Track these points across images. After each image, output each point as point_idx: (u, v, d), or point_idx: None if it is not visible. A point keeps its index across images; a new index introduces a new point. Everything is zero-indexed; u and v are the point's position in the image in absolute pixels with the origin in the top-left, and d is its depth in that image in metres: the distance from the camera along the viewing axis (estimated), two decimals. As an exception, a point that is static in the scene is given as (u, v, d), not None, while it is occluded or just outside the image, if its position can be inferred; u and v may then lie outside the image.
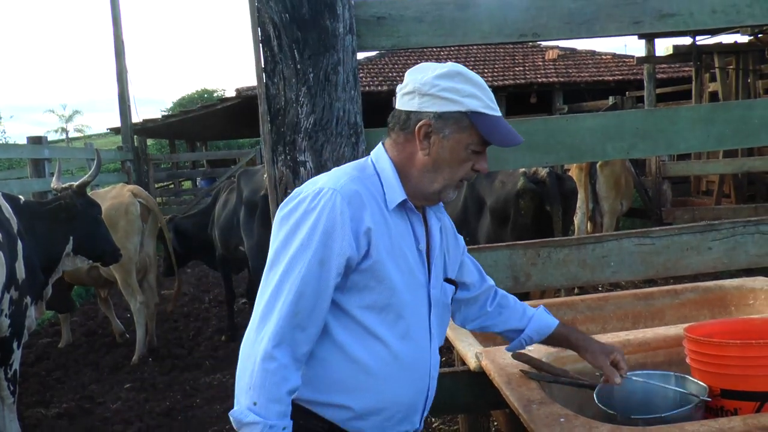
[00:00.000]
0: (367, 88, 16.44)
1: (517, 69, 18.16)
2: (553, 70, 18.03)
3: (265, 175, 2.63)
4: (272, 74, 2.46)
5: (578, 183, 7.32)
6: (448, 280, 1.93)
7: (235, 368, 1.72)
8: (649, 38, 11.34)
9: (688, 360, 2.07)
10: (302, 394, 1.71)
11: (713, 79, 11.31)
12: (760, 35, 10.30)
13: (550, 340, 2.14)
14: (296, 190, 1.76)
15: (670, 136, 2.68)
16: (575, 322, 2.94)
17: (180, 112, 20.93)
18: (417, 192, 1.78)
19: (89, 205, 5.17)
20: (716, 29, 9.57)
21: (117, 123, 14.40)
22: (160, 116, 20.39)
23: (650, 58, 11.70)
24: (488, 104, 1.72)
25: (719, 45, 11.01)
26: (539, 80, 17.22)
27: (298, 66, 2.43)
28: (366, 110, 2.62)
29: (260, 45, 2.47)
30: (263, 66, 2.47)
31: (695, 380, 2.02)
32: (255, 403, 1.60)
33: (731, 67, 10.88)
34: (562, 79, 17.29)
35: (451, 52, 18.44)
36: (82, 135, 56.98)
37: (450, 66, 1.74)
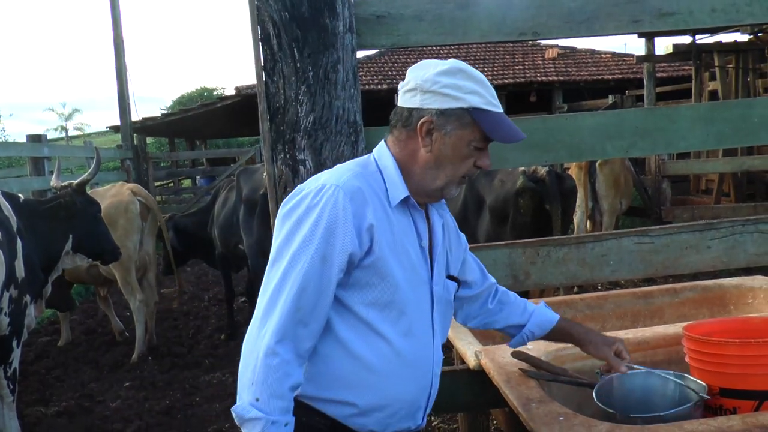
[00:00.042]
0: (366, 86, 16.43)
1: (516, 68, 18.17)
2: (552, 69, 18.03)
3: (265, 174, 2.63)
4: (272, 73, 2.46)
5: (578, 182, 7.32)
6: (450, 277, 1.93)
7: (235, 367, 1.72)
8: (649, 37, 11.33)
9: (687, 359, 2.07)
10: (305, 390, 1.72)
11: (713, 77, 11.31)
12: (759, 34, 10.30)
13: (552, 335, 2.14)
14: (299, 186, 1.76)
15: (670, 135, 2.68)
16: (575, 320, 2.94)
17: (180, 110, 20.92)
18: (419, 189, 1.78)
19: (89, 203, 5.16)
20: (716, 28, 9.57)
21: (116, 121, 14.41)
22: (159, 114, 20.37)
23: (650, 56, 11.70)
24: (490, 101, 1.73)
25: (719, 44, 11.00)
26: (539, 79, 17.22)
27: (298, 64, 2.43)
28: (365, 109, 2.62)
29: (260, 43, 2.47)
30: (263, 64, 2.47)
31: (694, 379, 2.02)
32: (257, 399, 1.61)
33: (731, 65, 10.88)
34: (561, 78, 17.29)
35: (451, 51, 18.42)
36: (81, 133, 56.96)
37: (452, 63, 1.74)
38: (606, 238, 2.74)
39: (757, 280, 3.12)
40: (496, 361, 2.32)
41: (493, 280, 2.14)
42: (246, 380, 1.65)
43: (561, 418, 1.84)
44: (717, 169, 9.87)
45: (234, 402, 1.67)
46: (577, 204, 7.13)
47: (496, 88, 1.79)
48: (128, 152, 13.15)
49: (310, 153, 2.48)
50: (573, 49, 19.71)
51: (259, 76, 2.49)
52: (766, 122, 2.68)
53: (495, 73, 17.51)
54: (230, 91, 20.02)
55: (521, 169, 5.54)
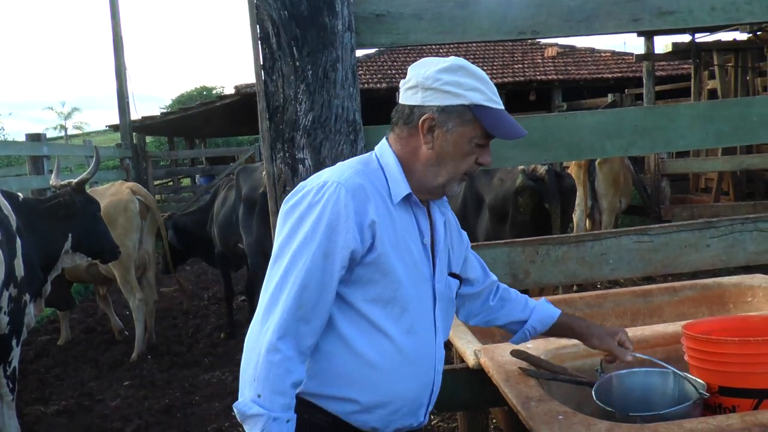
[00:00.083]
0: (366, 85, 16.43)
1: (516, 66, 18.16)
2: (552, 68, 18.03)
3: (264, 173, 2.63)
4: (271, 71, 2.46)
5: (577, 180, 7.32)
6: (452, 275, 1.94)
7: (235, 365, 1.73)
8: (648, 35, 11.32)
9: (686, 357, 2.07)
10: (307, 387, 1.72)
11: (712, 76, 11.31)
12: (759, 33, 10.30)
13: (554, 330, 2.14)
14: (301, 183, 1.76)
15: (669, 134, 2.68)
16: (574, 318, 2.94)
17: (179, 109, 20.92)
18: (421, 186, 1.78)
19: (88, 202, 5.17)
20: (715, 27, 9.58)
21: (116, 120, 14.41)
22: (159, 113, 20.36)
23: (649, 55, 11.69)
24: (491, 97, 1.73)
25: (718, 42, 11.00)
26: (538, 77, 17.22)
27: (297, 63, 2.43)
28: (365, 107, 2.62)
29: (259, 42, 2.47)
30: (262, 63, 2.47)
31: (693, 378, 2.02)
32: (259, 395, 1.61)
33: (730, 64, 10.87)
34: (561, 77, 17.29)
35: (451, 50, 18.41)
36: (81, 132, 56.91)
37: (452, 60, 1.75)
38: (605, 237, 2.74)
39: (757, 279, 3.12)
40: (496, 359, 2.32)
41: (494, 277, 2.15)
42: (248, 377, 1.65)
43: (560, 417, 1.84)
44: (716, 167, 9.87)
45: (233, 401, 1.67)
46: (576, 203, 7.12)
47: (496, 86, 1.79)
48: (127, 151, 13.15)
49: (310, 152, 2.48)
50: (572, 48, 19.70)
51: (258, 75, 2.49)
52: (765, 121, 2.68)
53: (494, 71, 17.50)
54: (229, 90, 20.01)
55: (520, 167, 5.54)
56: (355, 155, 2.32)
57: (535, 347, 2.33)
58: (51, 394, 5.54)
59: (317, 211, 1.66)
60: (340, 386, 1.73)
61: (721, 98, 10.12)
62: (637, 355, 2.07)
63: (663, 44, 11.50)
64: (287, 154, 2.49)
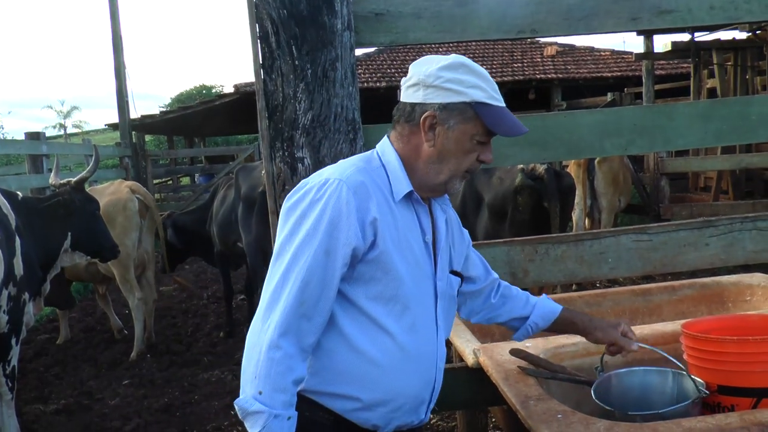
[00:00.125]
0: (365, 84, 16.41)
1: (515, 65, 18.15)
2: (551, 67, 18.01)
3: (263, 172, 2.63)
4: (270, 70, 2.46)
5: (576, 179, 7.32)
6: (453, 273, 1.94)
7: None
8: (648, 34, 11.32)
9: (685, 356, 2.07)
10: (308, 384, 1.72)
11: (711, 75, 11.31)
12: (758, 32, 10.30)
13: (556, 325, 2.14)
14: (302, 181, 1.77)
15: (668, 133, 2.68)
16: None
17: (178, 108, 20.91)
18: (423, 183, 1.79)
19: (87, 201, 5.17)
20: (714, 26, 9.59)
21: (115, 119, 14.40)
22: (158, 112, 20.35)
23: (649, 54, 11.69)
24: (492, 95, 1.74)
25: (717, 41, 10.99)
26: (538, 76, 17.20)
27: (296, 62, 2.43)
28: (364, 106, 2.62)
29: (258, 41, 2.47)
30: (261, 62, 2.47)
31: (692, 377, 2.02)
32: (260, 392, 1.61)
33: (729, 63, 10.87)
34: (560, 76, 17.28)
35: (450, 48, 18.39)
36: (80, 131, 56.93)
37: (454, 58, 1.75)
38: (604, 236, 2.74)
39: (756, 278, 3.12)
40: (495, 358, 2.32)
41: (495, 275, 2.15)
42: (249, 374, 1.64)
43: (559, 416, 1.84)
44: (715, 166, 9.87)
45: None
46: (575, 201, 7.13)
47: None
48: (127, 150, 13.15)
49: (309, 151, 2.48)
50: (572, 47, 19.69)
51: (257, 74, 2.49)
52: (765, 120, 2.68)
53: (494, 70, 17.48)
54: (229, 89, 19.99)
55: (520, 166, 5.54)
56: (355, 154, 2.32)
57: (534, 346, 2.34)
58: (50, 393, 5.55)
59: (319, 208, 1.66)
60: (341, 384, 1.73)
61: (720, 97, 10.12)
62: (642, 345, 2.08)
63: (662, 43, 11.50)
64: (286, 153, 2.49)
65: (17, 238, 4.28)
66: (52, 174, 5.48)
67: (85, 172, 5.47)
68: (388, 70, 17.91)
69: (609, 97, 11.17)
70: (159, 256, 7.43)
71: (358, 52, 2.63)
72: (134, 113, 14.93)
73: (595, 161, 7.66)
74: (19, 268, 4.25)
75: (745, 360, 1.91)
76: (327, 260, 1.65)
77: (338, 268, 1.67)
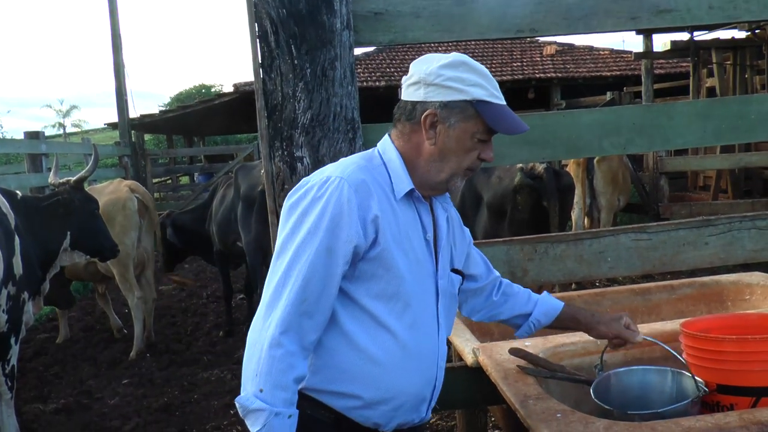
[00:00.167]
0: (364, 83, 16.40)
1: (515, 64, 18.14)
2: (551, 66, 18.01)
3: (263, 171, 2.63)
4: (269, 70, 2.46)
5: (575, 178, 7.33)
6: (455, 271, 1.94)
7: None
8: (647, 34, 11.32)
9: (684, 355, 2.07)
10: (310, 383, 1.72)
11: (711, 74, 11.31)
12: (757, 31, 10.30)
13: (558, 322, 2.14)
14: (304, 179, 1.77)
15: (667, 132, 2.68)
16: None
17: (178, 107, 20.88)
18: (424, 182, 1.79)
19: (87, 200, 5.17)
20: (714, 25, 9.59)
21: (114, 118, 14.40)
22: (157, 111, 20.33)
23: (648, 53, 11.69)
24: (493, 93, 1.74)
25: (717, 41, 11.00)
26: (537, 75, 17.20)
27: (295, 61, 2.43)
28: (363, 106, 2.62)
29: (257, 40, 2.46)
30: (260, 61, 2.47)
31: (691, 376, 2.02)
32: (261, 390, 1.61)
33: (729, 62, 10.88)
34: (559, 75, 17.27)
35: (449, 48, 18.39)
36: (79, 130, 56.90)
37: (454, 56, 1.75)
38: (603, 235, 2.74)
39: (755, 277, 3.12)
40: (494, 358, 2.32)
41: (497, 273, 2.16)
42: (250, 371, 1.64)
43: (558, 415, 1.84)
44: (715, 165, 9.88)
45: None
46: (575, 200, 7.14)
47: (494, 84, 1.79)
48: (126, 149, 13.15)
49: (308, 150, 2.48)
50: (571, 46, 19.68)
51: (256, 73, 2.49)
52: (764, 119, 2.68)
53: (493, 69, 17.46)
54: (228, 88, 19.98)
55: (519, 165, 5.54)
56: (354, 153, 2.32)
57: (533, 345, 2.34)
58: (50, 393, 5.55)
59: (320, 206, 1.66)
60: (342, 382, 1.73)
61: (719, 96, 10.12)
62: (647, 338, 2.08)
63: (662, 42, 11.51)
64: (286, 153, 2.49)
65: (16, 237, 4.28)
66: (52, 173, 5.48)
67: (84, 171, 5.47)
68: (388, 70, 17.90)
69: (608, 96, 11.18)
70: (159, 255, 7.43)
71: (357, 51, 2.63)
72: (133, 112, 14.97)
73: (595, 160, 7.67)
74: (18, 267, 4.25)
75: (745, 359, 1.91)
76: (328, 258, 1.65)
77: (339, 266, 1.67)
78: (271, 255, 1.75)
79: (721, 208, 8.69)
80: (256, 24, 2.45)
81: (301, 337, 1.64)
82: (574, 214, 7.60)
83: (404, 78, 1.81)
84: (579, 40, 20.17)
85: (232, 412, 4.68)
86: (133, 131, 14.63)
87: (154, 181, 15.68)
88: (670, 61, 16.42)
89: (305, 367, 1.68)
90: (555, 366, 2.22)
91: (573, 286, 6.27)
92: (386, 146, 1.82)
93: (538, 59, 18.61)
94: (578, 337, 2.41)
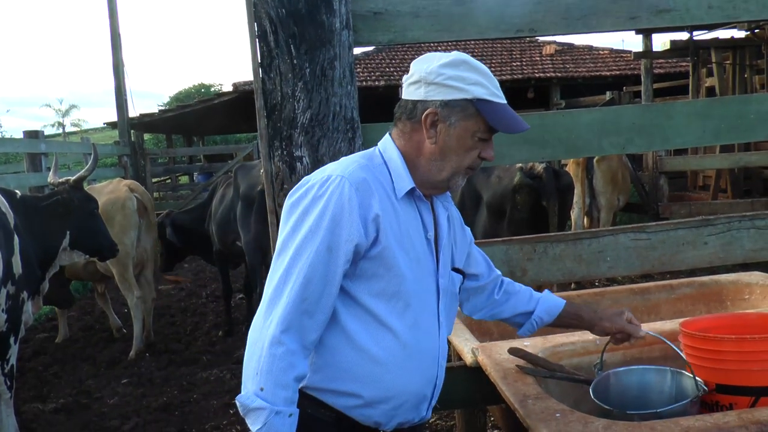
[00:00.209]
0: (363, 83, 16.41)
1: (514, 64, 18.15)
2: (550, 65, 18.02)
3: (262, 170, 2.63)
4: (269, 69, 2.46)
5: (575, 178, 7.33)
6: (456, 270, 1.94)
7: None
8: (647, 33, 11.32)
9: (683, 355, 2.08)
10: (310, 381, 1.73)
11: (710, 74, 11.31)
12: (756, 30, 10.31)
13: (561, 319, 2.14)
14: (305, 178, 1.77)
15: (666, 131, 2.68)
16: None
17: (177, 106, 20.89)
18: (425, 180, 1.79)
19: (86, 199, 5.17)
20: (713, 24, 9.59)
21: (114, 117, 14.40)
22: (157, 111, 20.33)
23: (647, 53, 11.69)
24: (493, 92, 1.74)
25: (716, 40, 11.00)
26: (536, 75, 17.21)
27: (295, 61, 2.43)
28: (363, 105, 2.62)
29: (257, 40, 2.46)
30: (260, 61, 2.47)
31: (691, 375, 2.03)
32: (261, 389, 1.60)
33: (728, 62, 10.88)
34: (559, 74, 17.28)
35: (449, 48, 18.37)
36: (78, 129, 56.93)
37: (455, 55, 1.75)
38: (603, 235, 2.74)
39: (754, 276, 3.12)
40: (493, 357, 2.32)
41: (498, 272, 2.16)
42: (251, 370, 1.64)
43: (557, 415, 1.84)
44: (714, 165, 9.88)
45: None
46: (574, 200, 7.14)
47: (494, 83, 1.79)
48: (125, 148, 13.15)
49: (307, 150, 2.48)
50: (571, 46, 19.68)
51: (255, 73, 2.49)
52: (763, 118, 2.68)
53: (493, 69, 17.45)
54: (228, 88, 19.99)
55: (518, 165, 5.54)
56: (353, 153, 2.32)
57: (532, 345, 2.34)
58: (49, 392, 5.55)
59: (321, 204, 1.66)
60: (343, 381, 1.73)
61: (718, 96, 10.12)
62: (650, 332, 2.09)
63: (661, 42, 11.51)
64: (285, 152, 2.49)
65: (16, 237, 4.28)
66: (51, 173, 5.48)
67: (83, 170, 5.47)
68: (387, 69, 17.91)
69: (608, 95, 11.18)
70: (158, 254, 7.43)
71: (357, 50, 2.63)
72: (133, 112, 14.96)
73: (594, 160, 7.67)
74: (17, 266, 4.25)
75: (744, 359, 1.92)
76: (329, 257, 1.65)
77: (340, 265, 1.67)
78: (271, 254, 1.75)
79: (721, 208, 8.70)
80: (255, 23, 2.45)
81: (301, 336, 1.64)
82: (574, 214, 7.61)
83: (405, 77, 1.81)
84: (578, 39, 20.18)
85: (231, 411, 4.68)
86: (132, 131, 14.62)
87: (154, 180, 15.68)
88: (670, 60, 16.42)
89: (306, 366, 1.67)
90: (554, 366, 2.22)
91: (572, 285, 6.28)
92: (387, 145, 1.82)
93: (538, 59, 18.61)
94: (577, 337, 2.41)
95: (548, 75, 17.25)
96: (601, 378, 2.09)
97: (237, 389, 1.69)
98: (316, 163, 2.42)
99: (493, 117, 1.73)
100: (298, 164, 2.48)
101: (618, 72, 17.47)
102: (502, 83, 1.79)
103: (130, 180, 7.40)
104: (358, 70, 16.96)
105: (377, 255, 1.70)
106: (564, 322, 2.17)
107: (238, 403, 1.64)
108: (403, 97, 1.81)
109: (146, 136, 23.61)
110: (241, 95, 16.30)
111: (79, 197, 5.09)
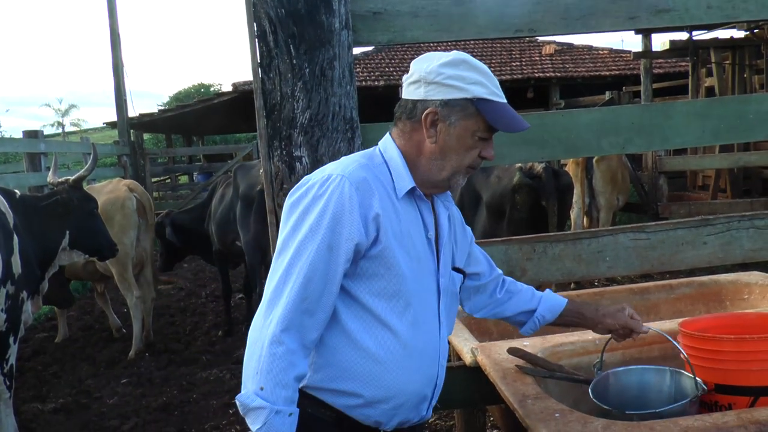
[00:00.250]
0: (363, 83, 16.41)
1: (514, 64, 18.15)
2: (550, 65, 18.02)
3: (261, 170, 2.63)
4: (268, 69, 2.46)
5: (574, 178, 7.33)
6: (456, 269, 1.94)
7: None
8: (646, 33, 11.33)
9: (683, 352, 2.08)
10: (310, 381, 1.73)
11: (710, 74, 11.32)
12: (756, 30, 10.31)
13: (563, 318, 2.15)
14: (305, 177, 1.77)
15: (666, 131, 2.68)
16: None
17: (177, 106, 20.90)
18: (426, 180, 1.79)
19: (85, 199, 5.17)
20: (712, 24, 9.59)
21: (113, 117, 14.41)
22: (156, 110, 20.33)
23: (647, 53, 11.70)
24: (493, 91, 1.74)
25: (715, 40, 11.01)
26: (536, 75, 17.21)
27: (294, 61, 2.43)
28: (362, 105, 2.62)
29: (256, 40, 2.46)
30: (259, 61, 2.47)
31: (690, 375, 2.03)
32: (262, 388, 1.60)
33: (727, 62, 10.88)
34: (559, 74, 17.28)
35: (448, 48, 18.34)
36: (78, 129, 56.90)
37: (455, 54, 1.75)
38: (602, 234, 2.74)
39: (753, 276, 3.12)
40: (493, 357, 2.32)
41: (499, 271, 2.16)
42: (251, 369, 1.64)
43: (557, 415, 1.84)
44: (713, 165, 9.88)
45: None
46: (573, 200, 7.15)
47: (494, 83, 1.79)
48: (125, 148, 13.15)
49: (307, 149, 2.48)
50: (570, 46, 19.68)
51: (255, 73, 2.49)
52: (762, 118, 2.68)
53: (492, 69, 17.23)
54: (227, 87, 20.00)
55: (518, 165, 5.54)
56: (353, 153, 2.32)
57: (531, 345, 2.34)
58: (48, 392, 5.54)
59: (322, 203, 1.66)
60: (343, 380, 1.73)
61: (718, 96, 10.13)
62: (652, 328, 2.09)
63: (661, 42, 11.51)
64: (284, 152, 2.49)
65: (15, 237, 4.28)
66: (50, 172, 5.47)
67: (83, 170, 5.47)
68: (386, 69, 17.91)
69: (607, 95, 11.19)
70: (157, 254, 7.43)
71: (356, 50, 2.63)
72: (132, 111, 14.96)
73: (594, 160, 7.67)
74: (17, 266, 4.25)
75: (743, 359, 1.92)
76: (330, 256, 1.65)
77: (341, 264, 1.67)
78: (270, 254, 1.75)
79: (720, 208, 8.70)
80: (254, 23, 2.45)
81: (302, 335, 1.64)
82: (573, 214, 7.61)
83: (405, 77, 1.81)
84: (578, 39, 20.17)
85: (231, 411, 4.68)
86: (132, 130, 14.63)
87: (153, 180, 15.69)
88: (669, 60, 16.42)
89: (306, 366, 1.67)
90: (553, 365, 2.22)
91: (572, 285, 6.28)
92: (387, 145, 1.82)
93: (537, 59, 18.61)
94: (576, 337, 2.42)
95: (548, 75, 17.25)
96: (600, 378, 2.09)
97: (237, 389, 1.69)
98: (316, 163, 2.42)
99: (493, 116, 1.73)
100: (298, 164, 2.48)
101: (617, 72, 17.47)
102: (501, 83, 1.79)
103: (129, 180, 7.40)
104: (358, 70, 16.97)
105: (377, 254, 1.70)
106: (566, 320, 2.17)
107: (238, 403, 1.64)
108: (403, 96, 1.81)
109: (146, 136, 23.59)
110: (241, 95, 16.30)
111: (79, 197, 5.09)
